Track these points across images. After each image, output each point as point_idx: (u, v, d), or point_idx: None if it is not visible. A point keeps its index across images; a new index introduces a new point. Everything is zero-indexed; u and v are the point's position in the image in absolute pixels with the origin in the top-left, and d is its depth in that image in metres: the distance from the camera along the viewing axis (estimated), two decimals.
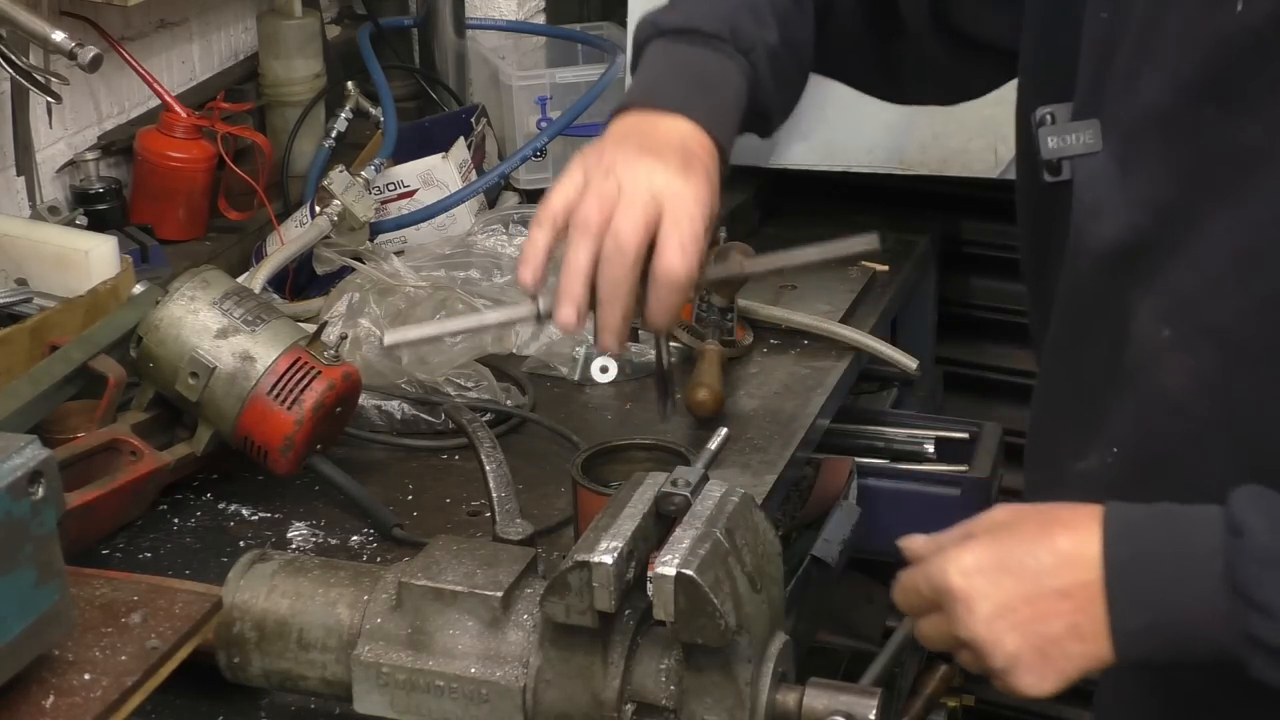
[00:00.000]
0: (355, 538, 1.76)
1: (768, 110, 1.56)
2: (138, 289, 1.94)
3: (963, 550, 1.25)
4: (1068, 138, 1.34)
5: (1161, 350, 1.28)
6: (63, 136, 2.26)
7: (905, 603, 1.31)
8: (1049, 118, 1.35)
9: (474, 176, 2.50)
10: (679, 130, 1.43)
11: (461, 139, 2.52)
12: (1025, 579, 1.23)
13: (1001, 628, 1.23)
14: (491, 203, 2.57)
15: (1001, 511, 1.29)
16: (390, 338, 1.51)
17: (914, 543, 1.32)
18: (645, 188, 1.37)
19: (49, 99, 2.02)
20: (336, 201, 2.25)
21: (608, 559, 1.21)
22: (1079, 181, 1.34)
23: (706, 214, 1.39)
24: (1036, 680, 1.24)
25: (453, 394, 2.00)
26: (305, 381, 1.73)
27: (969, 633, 1.24)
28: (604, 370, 2.12)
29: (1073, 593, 1.21)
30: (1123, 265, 1.30)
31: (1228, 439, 1.27)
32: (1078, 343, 1.39)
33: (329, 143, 2.51)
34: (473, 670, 1.30)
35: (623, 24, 2.67)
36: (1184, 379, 1.27)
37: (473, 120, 2.61)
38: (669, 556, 1.21)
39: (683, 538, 1.23)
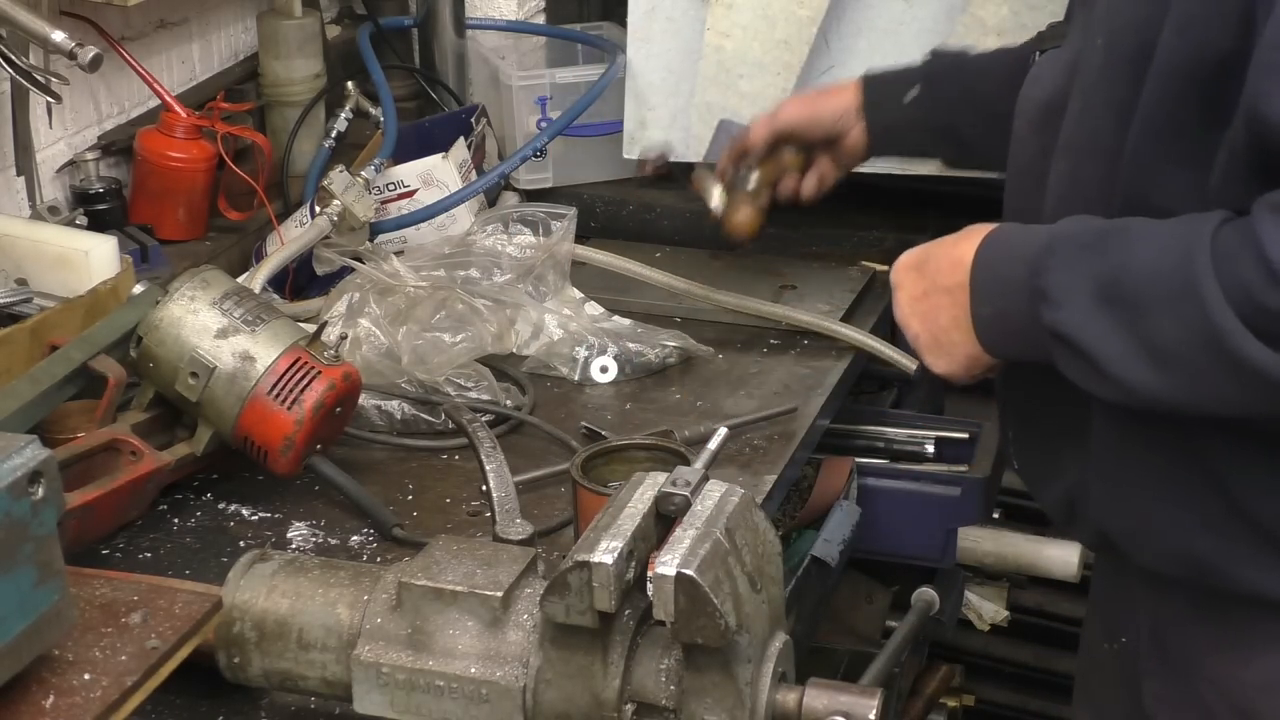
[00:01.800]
0: (355, 538, 1.76)
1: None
2: (138, 289, 1.94)
3: (912, 249, 1.59)
4: (1054, 39, 1.65)
5: (1061, 188, 1.53)
6: (63, 136, 2.26)
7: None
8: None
9: (474, 176, 2.50)
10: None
11: (461, 139, 2.52)
12: (927, 277, 1.55)
13: (911, 315, 1.57)
14: (491, 203, 2.57)
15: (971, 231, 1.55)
16: None
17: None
18: None
19: (49, 99, 2.02)
20: (336, 201, 2.25)
21: (608, 559, 1.21)
22: (1035, 63, 1.65)
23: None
24: (935, 361, 1.57)
25: (453, 394, 2.00)
26: (305, 381, 1.73)
27: (896, 315, 1.60)
28: (604, 370, 2.12)
29: (953, 291, 1.51)
30: (1044, 124, 1.56)
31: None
32: (1022, 205, 1.61)
33: (329, 143, 2.51)
34: (473, 670, 1.30)
35: (623, 24, 2.67)
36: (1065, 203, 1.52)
37: (473, 120, 2.61)
38: (669, 556, 1.21)
39: (683, 538, 1.23)
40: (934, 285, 1.53)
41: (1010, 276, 1.45)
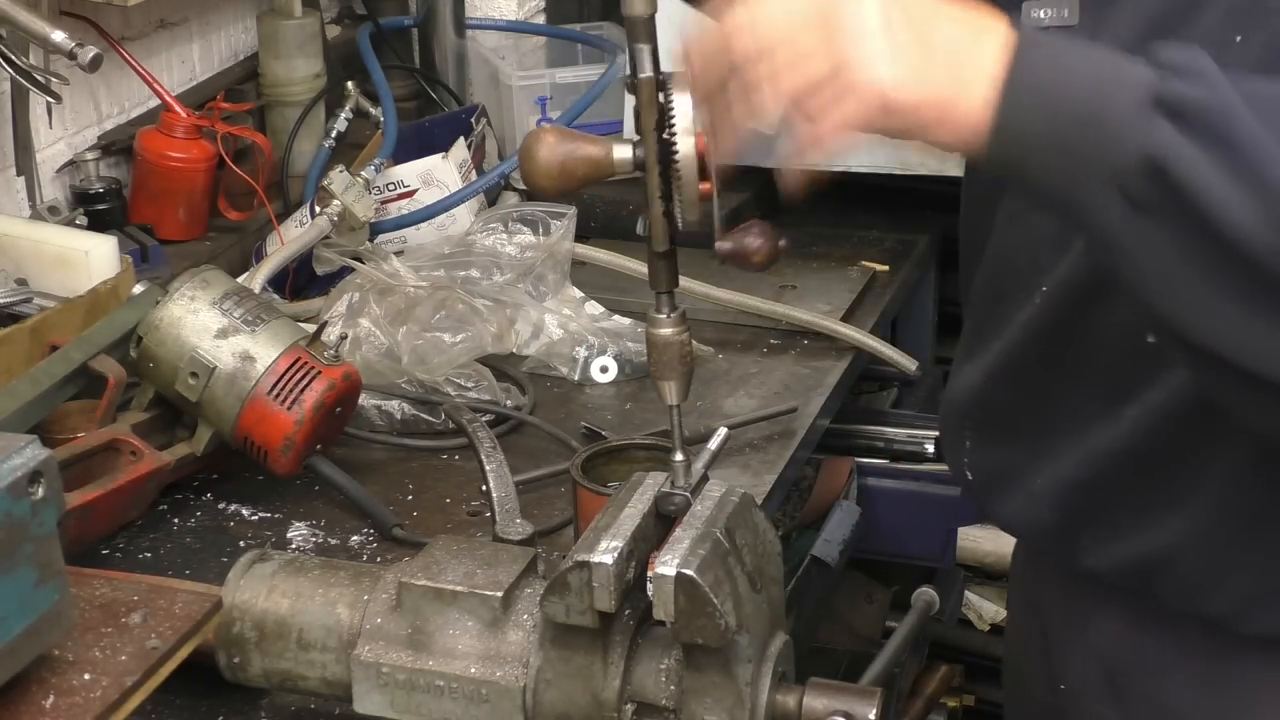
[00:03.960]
0: (355, 538, 1.76)
1: None
2: (138, 289, 1.94)
3: None
4: (1048, 10, 1.40)
5: None
6: (63, 136, 2.26)
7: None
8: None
9: (474, 176, 2.50)
10: None
11: (461, 139, 2.52)
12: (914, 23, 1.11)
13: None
14: (491, 202, 2.57)
15: None
16: None
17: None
18: None
19: (49, 99, 2.02)
20: (336, 201, 2.25)
21: (608, 559, 1.21)
22: None
23: None
24: (886, 68, 1.10)
25: (453, 394, 2.00)
26: (305, 381, 1.73)
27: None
28: (604, 370, 2.12)
29: (969, 21, 1.12)
30: None
31: None
32: (1030, 209, 1.42)
33: (329, 143, 2.51)
34: (473, 670, 1.30)
35: (622, 24, 2.67)
36: None
37: (473, 120, 2.61)
38: (669, 556, 1.21)
39: (683, 538, 1.23)
40: (945, 9, 1.12)
41: (1098, 76, 1.11)
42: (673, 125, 1.22)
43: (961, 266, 1.69)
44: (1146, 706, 1.52)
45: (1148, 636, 1.51)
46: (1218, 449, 1.38)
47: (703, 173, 1.24)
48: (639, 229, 1.30)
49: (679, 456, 1.31)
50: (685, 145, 1.22)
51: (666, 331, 1.30)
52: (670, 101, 1.23)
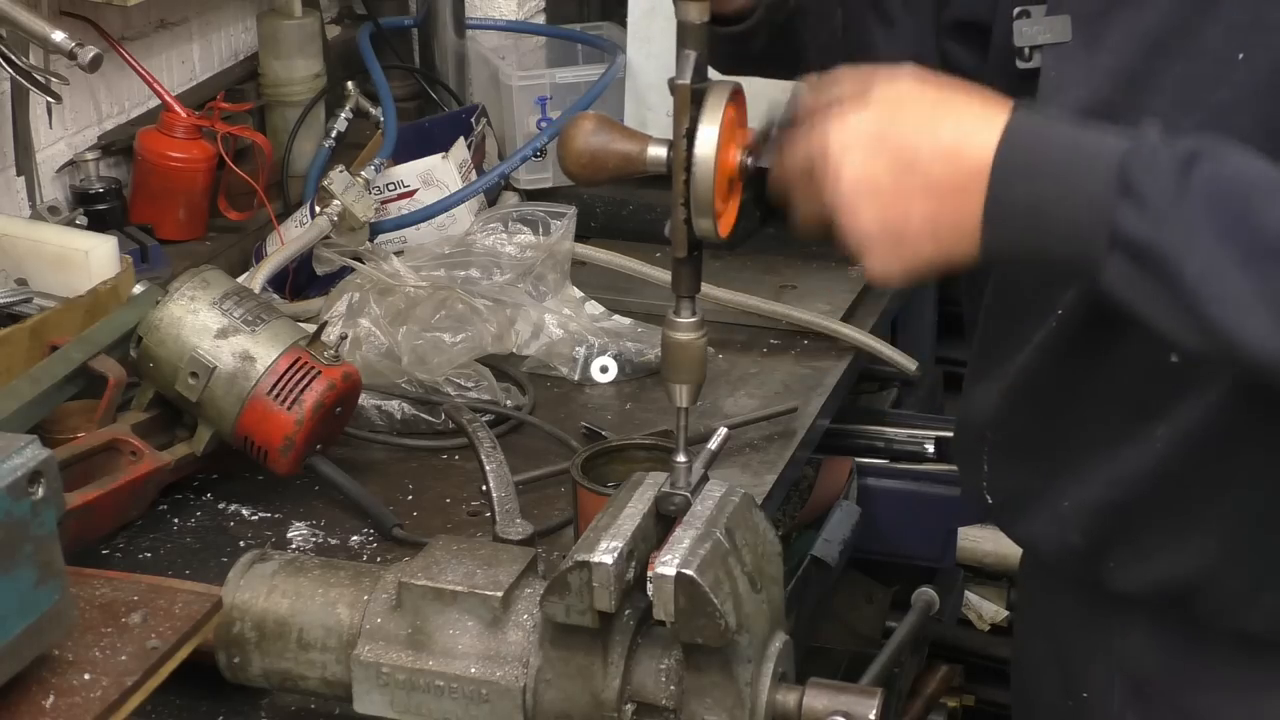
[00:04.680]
0: (355, 538, 1.76)
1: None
2: (138, 289, 1.94)
3: (848, 117, 1.24)
4: (1040, 27, 1.45)
5: None
6: (63, 136, 2.26)
7: (789, 169, 1.28)
8: (1025, 14, 1.46)
9: (474, 176, 2.50)
10: None
11: (461, 139, 2.52)
12: (908, 170, 1.22)
13: (863, 205, 1.23)
14: (491, 202, 2.57)
15: (902, 79, 1.27)
16: None
17: (807, 98, 1.29)
18: None
19: (49, 99, 2.02)
20: (336, 201, 2.25)
21: (608, 559, 1.21)
22: (1046, 64, 1.45)
23: None
24: (884, 266, 1.27)
25: (453, 394, 2.00)
26: (305, 381, 1.73)
27: (834, 203, 1.24)
28: (604, 370, 2.12)
29: (940, 188, 1.22)
30: None
31: None
32: None
33: (329, 143, 2.51)
34: (473, 670, 1.30)
35: (623, 24, 2.67)
36: None
37: (473, 120, 2.61)
38: (669, 556, 1.21)
39: (683, 538, 1.23)
40: (918, 181, 1.22)
41: (1068, 161, 1.20)
42: (697, 135, 1.22)
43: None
44: (1175, 714, 1.52)
45: (1176, 649, 1.51)
46: (1249, 466, 1.37)
47: (727, 195, 1.25)
48: (666, 231, 1.29)
49: (681, 458, 1.31)
50: (704, 156, 1.22)
51: (685, 335, 1.30)
52: (701, 111, 1.22)
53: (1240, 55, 1.31)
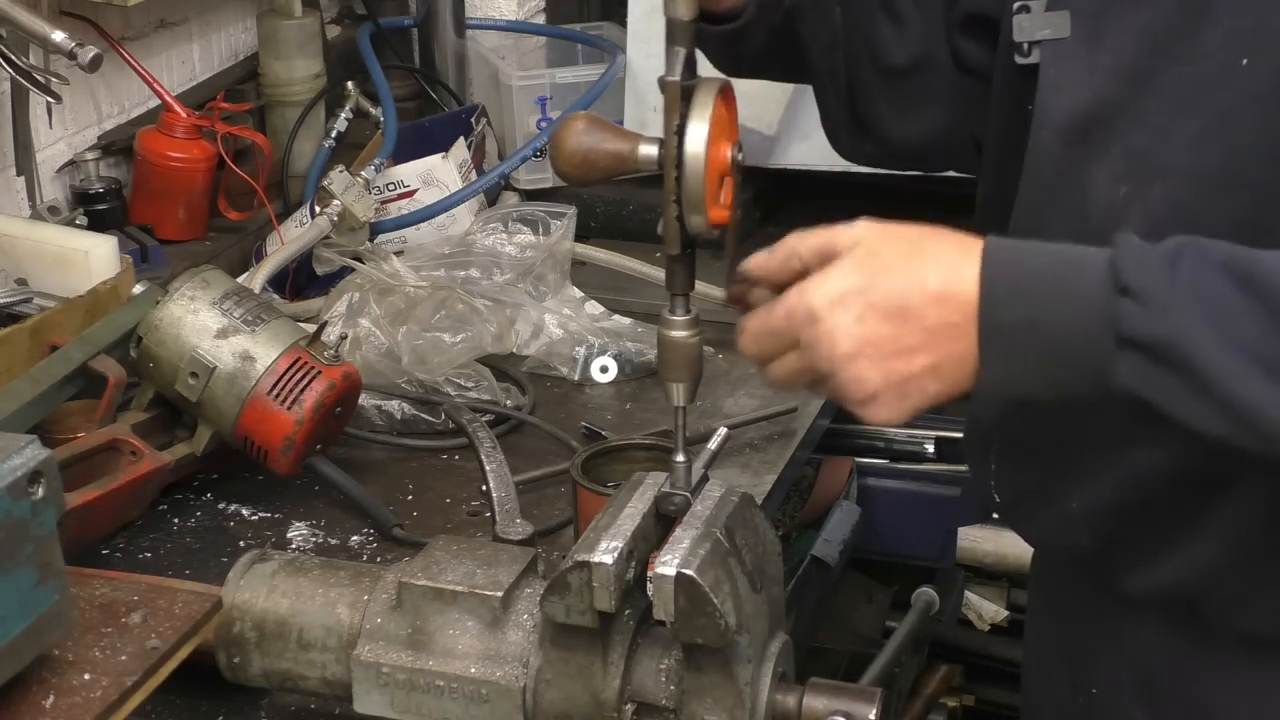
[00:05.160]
0: (355, 538, 1.76)
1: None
2: (138, 289, 1.94)
3: (826, 279, 1.24)
4: (1039, 22, 1.45)
5: (1120, 210, 1.35)
6: (63, 136, 2.26)
7: (759, 345, 1.28)
8: (1025, 8, 1.45)
9: (474, 176, 2.50)
10: None
11: (461, 139, 2.52)
12: (891, 315, 1.22)
13: (864, 365, 1.23)
14: (491, 202, 2.57)
15: (866, 233, 1.28)
16: None
17: (760, 262, 1.29)
18: None
19: (49, 99, 2.02)
20: (336, 201, 2.25)
21: (608, 559, 1.21)
22: (1045, 61, 1.43)
23: None
24: (890, 414, 1.25)
25: (453, 394, 2.00)
26: (305, 381, 1.73)
27: (830, 366, 1.23)
28: (604, 370, 2.12)
29: (938, 331, 1.22)
30: (1082, 135, 1.38)
31: None
32: (1039, 224, 1.41)
33: (329, 143, 2.51)
34: (473, 670, 1.30)
35: (623, 24, 2.67)
36: (1144, 231, 1.27)
37: (473, 120, 2.61)
38: (669, 556, 1.21)
39: (683, 538, 1.23)
40: (915, 331, 1.22)
41: (1055, 273, 1.20)
42: (687, 132, 1.22)
43: None
44: (1185, 709, 1.52)
45: (1186, 647, 1.50)
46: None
47: (718, 191, 1.25)
48: (659, 229, 1.29)
49: (680, 458, 1.31)
50: (694, 153, 1.22)
51: (679, 333, 1.30)
52: (690, 108, 1.22)
53: (1244, 61, 1.31)
